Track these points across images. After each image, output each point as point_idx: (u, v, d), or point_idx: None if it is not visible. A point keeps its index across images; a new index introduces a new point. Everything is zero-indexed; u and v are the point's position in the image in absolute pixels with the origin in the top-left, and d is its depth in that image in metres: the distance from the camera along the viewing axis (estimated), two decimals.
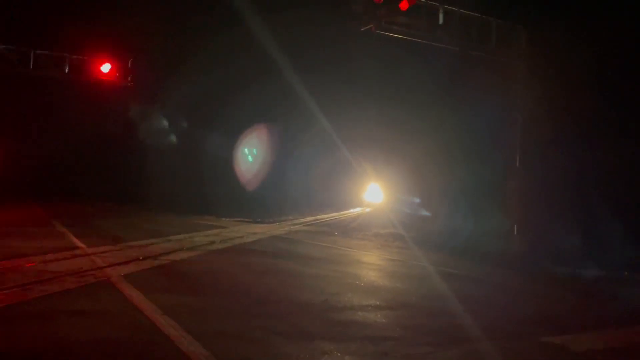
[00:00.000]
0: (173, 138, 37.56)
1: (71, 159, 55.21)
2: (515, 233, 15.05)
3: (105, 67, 19.25)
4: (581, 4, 13.93)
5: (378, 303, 8.41)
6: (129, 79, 19.94)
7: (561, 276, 12.08)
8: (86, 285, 8.38)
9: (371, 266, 13.37)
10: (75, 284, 8.37)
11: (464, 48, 14.26)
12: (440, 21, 13.62)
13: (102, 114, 37.85)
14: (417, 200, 24.21)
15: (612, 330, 7.51)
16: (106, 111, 36.32)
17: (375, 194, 32.25)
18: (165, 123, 37.32)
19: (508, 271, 12.66)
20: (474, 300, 9.20)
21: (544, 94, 14.55)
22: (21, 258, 10.56)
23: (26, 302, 7.10)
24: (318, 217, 30.13)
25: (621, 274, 11.97)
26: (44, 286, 8.06)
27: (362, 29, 13.05)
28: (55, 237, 14.92)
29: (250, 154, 34.78)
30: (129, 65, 19.88)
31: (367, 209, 32.10)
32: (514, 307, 8.85)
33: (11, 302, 7.01)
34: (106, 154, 49.64)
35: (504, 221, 15.49)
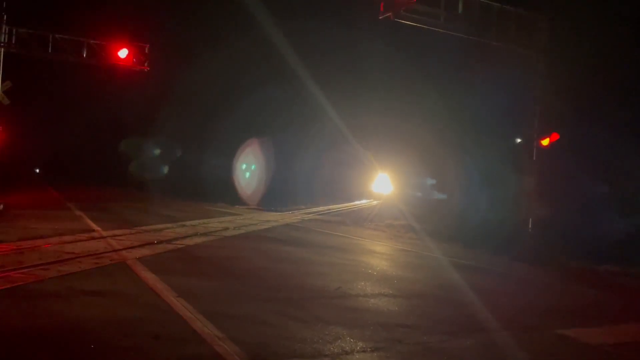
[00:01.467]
0: (187, 128, 37.79)
1: (86, 144, 55.85)
2: (530, 226, 14.87)
3: (123, 53, 19.28)
4: None
5: (391, 292, 8.41)
6: (146, 64, 19.96)
7: (577, 270, 11.98)
8: (102, 267, 8.50)
9: (384, 256, 13.36)
10: (91, 265, 8.49)
11: (483, 38, 14.03)
12: (460, 10, 13.40)
13: (117, 100, 38.13)
14: (431, 181, 23.72)
15: (626, 324, 7.45)
16: (122, 98, 36.56)
17: (384, 184, 32.11)
18: (181, 110, 37.51)
19: (523, 264, 12.58)
20: (488, 291, 9.16)
21: (564, 87, 14.31)
22: (39, 239, 10.74)
23: (44, 281, 7.22)
24: (330, 207, 30.17)
25: (637, 269, 11.82)
26: (61, 266, 8.19)
27: (381, 17, 12.90)
28: (71, 220, 15.13)
29: (263, 147, 34.93)
30: (146, 51, 19.89)
31: (377, 200, 32.01)
32: (528, 299, 8.79)
33: (30, 281, 7.12)
34: (121, 140, 50.07)
35: (519, 214, 15.32)
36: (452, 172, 19.43)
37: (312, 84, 25.32)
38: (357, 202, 33.44)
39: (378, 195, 33.29)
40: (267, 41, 25.68)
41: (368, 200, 33.40)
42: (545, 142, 14.74)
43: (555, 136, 14.55)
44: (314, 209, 27.92)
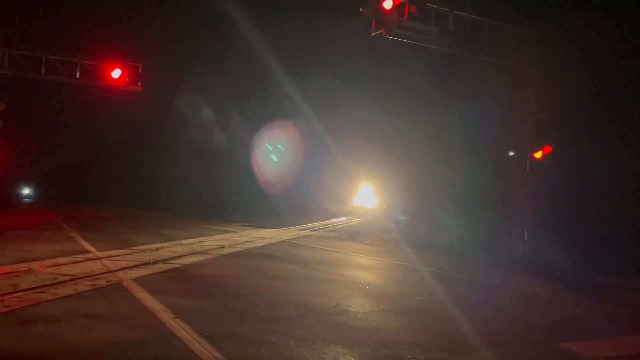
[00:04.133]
0: (182, 146, 37.90)
1: (80, 163, 55.70)
2: (525, 239, 14.91)
3: (116, 73, 19.32)
4: (593, 8, 13.86)
5: (390, 308, 8.38)
6: (139, 84, 20.01)
7: (575, 282, 11.98)
8: (99, 289, 8.41)
9: (380, 271, 13.33)
10: (87, 287, 8.41)
11: (474, 53, 14.19)
12: (451, 26, 13.57)
13: (112, 119, 38.13)
14: (397, 204, 23.96)
15: (629, 336, 7.43)
16: (116, 117, 36.56)
17: (368, 197, 32.15)
18: (174, 132, 37.68)
19: (520, 276, 12.58)
20: (487, 305, 9.14)
21: (556, 99, 14.47)
22: (34, 261, 10.63)
23: (40, 304, 7.13)
24: (325, 222, 30.17)
25: (635, 280, 11.84)
26: (57, 289, 8.11)
27: (372, 34, 13.01)
28: (66, 241, 15.01)
29: (259, 163, 35.05)
30: (140, 70, 19.96)
31: (360, 218, 32.02)
32: (528, 312, 8.78)
33: (25, 305, 7.04)
34: (115, 159, 50.05)
35: (514, 227, 15.37)
36: (439, 191, 19.36)
37: (302, 99, 25.52)
38: (354, 218, 33.43)
39: (362, 209, 33.28)
40: (248, 49, 25.76)
41: (348, 217, 33.33)
42: (538, 154, 14.87)
43: (548, 149, 14.69)
44: (310, 225, 27.89)
